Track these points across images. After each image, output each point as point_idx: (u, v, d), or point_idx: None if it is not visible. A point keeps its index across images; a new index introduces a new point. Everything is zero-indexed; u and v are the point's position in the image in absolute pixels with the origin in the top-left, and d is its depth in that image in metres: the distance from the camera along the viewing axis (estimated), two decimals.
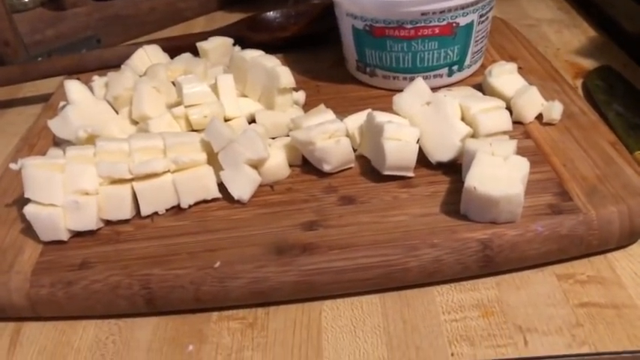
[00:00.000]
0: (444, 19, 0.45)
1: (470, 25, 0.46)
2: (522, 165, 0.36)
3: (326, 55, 0.57)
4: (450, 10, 0.44)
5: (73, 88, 0.44)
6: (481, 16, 0.47)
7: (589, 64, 0.56)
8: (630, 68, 0.54)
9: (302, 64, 0.56)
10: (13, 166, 0.38)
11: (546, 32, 0.63)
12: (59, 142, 0.45)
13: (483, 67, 0.51)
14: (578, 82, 0.54)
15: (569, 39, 0.62)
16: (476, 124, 0.39)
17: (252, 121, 0.46)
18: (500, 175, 0.35)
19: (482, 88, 0.47)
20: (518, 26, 0.63)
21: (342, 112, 0.47)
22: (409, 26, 0.45)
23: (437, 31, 0.45)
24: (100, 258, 0.36)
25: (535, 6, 0.69)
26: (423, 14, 0.44)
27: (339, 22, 0.50)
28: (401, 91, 0.48)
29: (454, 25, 0.45)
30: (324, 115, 0.42)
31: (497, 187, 0.34)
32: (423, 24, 0.45)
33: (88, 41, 0.68)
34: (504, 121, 0.40)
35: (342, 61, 0.55)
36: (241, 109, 0.46)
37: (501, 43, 0.55)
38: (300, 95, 0.48)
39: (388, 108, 0.47)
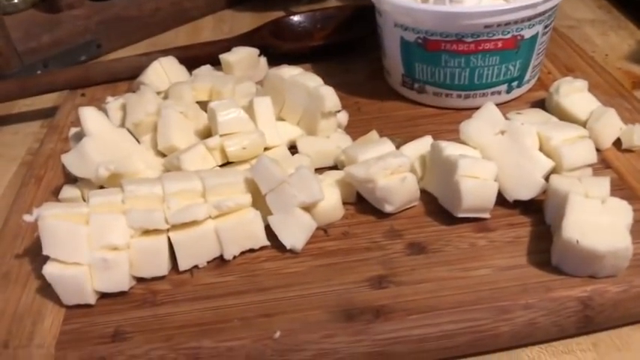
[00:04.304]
0: (508, 32, 0.40)
1: (534, 38, 0.41)
2: (625, 210, 0.31)
3: (360, 66, 0.52)
4: (516, 22, 0.39)
5: (90, 116, 0.38)
6: (545, 27, 0.42)
7: None
8: None
9: (334, 76, 0.50)
10: (27, 217, 0.32)
11: (589, 34, 0.59)
12: (72, 177, 0.39)
13: (540, 80, 0.47)
14: (638, 94, 0.49)
15: (617, 42, 0.57)
16: (559, 158, 0.34)
17: (291, 147, 0.41)
18: (602, 223, 0.30)
19: (547, 107, 0.42)
20: (558, 28, 0.58)
21: (391, 135, 0.42)
22: (469, 40, 0.40)
23: (500, 45, 0.40)
24: (137, 326, 0.31)
25: (573, 5, 0.64)
26: (486, 27, 0.39)
27: (382, 33, 0.45)
28: (454, 110, 0.44)
29: (519, 38, 0.40)
30: (381, 147, 0.37)
31: (603, 239, 0.29)
32: (485, 37, 0.40)
33: (87, 47, 0.61)
34: (590, 154, 0.35)
35: (379, 72, 0.49)
36: (280, 135, 0.40)
37: (554, 51, 0.50)
38: (343, 117, 0.43)
39: (442, 130, 0.42)
